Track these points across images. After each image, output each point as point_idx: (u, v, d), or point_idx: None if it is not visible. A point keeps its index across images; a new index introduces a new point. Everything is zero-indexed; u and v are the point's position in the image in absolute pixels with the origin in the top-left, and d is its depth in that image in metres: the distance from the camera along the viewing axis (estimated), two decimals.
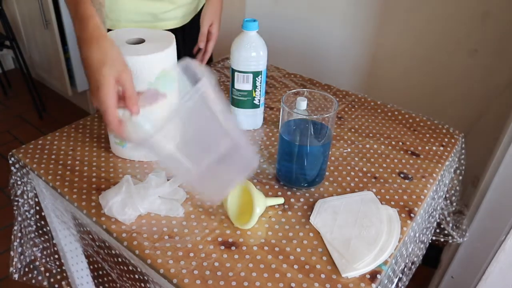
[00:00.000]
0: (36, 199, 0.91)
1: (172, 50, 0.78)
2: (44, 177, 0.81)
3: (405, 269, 0.84)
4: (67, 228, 0.94)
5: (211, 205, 0.75)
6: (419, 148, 0.92)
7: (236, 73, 0.87)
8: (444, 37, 1.25)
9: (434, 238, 1.02)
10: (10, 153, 0.87)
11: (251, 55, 0.85)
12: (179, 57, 0.82)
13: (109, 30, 0.84)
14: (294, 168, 0.77)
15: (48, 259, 0.99)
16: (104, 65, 0.61)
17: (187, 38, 1.12)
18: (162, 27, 1.02)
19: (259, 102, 0.92)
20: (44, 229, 0.96)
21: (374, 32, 1.38)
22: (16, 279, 0.95)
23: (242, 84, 0.88)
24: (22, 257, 0.94)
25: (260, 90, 0.90)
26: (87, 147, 0.89)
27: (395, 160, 0.88)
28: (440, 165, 0.87)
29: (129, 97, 0.62)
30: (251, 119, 0.94)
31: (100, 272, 0.90)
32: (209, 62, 1.26)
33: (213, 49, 1.29)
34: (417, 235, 0.84)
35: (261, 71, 0.88)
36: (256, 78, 0.88)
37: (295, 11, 1.52)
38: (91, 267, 1.06)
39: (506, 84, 1.18)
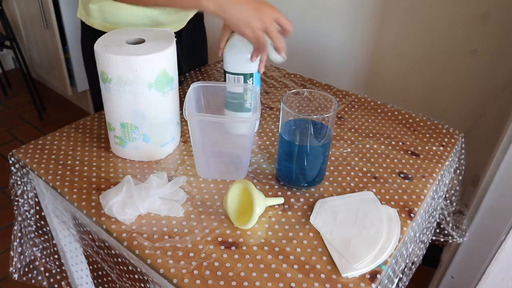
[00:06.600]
0: (36, 199, 0.91)
1: (172, 50, 0.78)
2: (44, 177, 0.81)
3: (405, 269, 0.84)
4: (67, 228, 0.94)
5: (211, 205, 0.75)
6: (419, 148, 0.92)
7: (227, 75, 0.87)
8: (444, 37, 1.25)
9: (434, 238, 1.02)
10: (10, 153, 0.87)
11: (242, 56, 0.84)
12: (177, 62, 0.82)
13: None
14: (294, 168, 0.77)
15: (48, 259, 0.99)
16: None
17: (184, 42, 1.11)
18: None
19: (251, 105, 0.88)
20: (44, 229, 0.96)
21: (374, 32, 1.38)
22: (16, 279, 0.95)
23: (234, 86, 0.86)
24: (22, 257, 0.93)
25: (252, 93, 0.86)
26: (87, 147, 0.89)
27: (395, 160, 0.88)
28: (440, 165, 0.87)
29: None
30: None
31: (100, 272, 0.90)
32: (205, 64, 1.26)
33: (209, 51, 1.28)
34: (417, 235, 0.84)
35: (253, 73, 0.86)
36: (248, 81, 0.86)
37: (295, 11, 1.52)
38: (91, 267, 1.06)
39: (506, 84, 1.18)
